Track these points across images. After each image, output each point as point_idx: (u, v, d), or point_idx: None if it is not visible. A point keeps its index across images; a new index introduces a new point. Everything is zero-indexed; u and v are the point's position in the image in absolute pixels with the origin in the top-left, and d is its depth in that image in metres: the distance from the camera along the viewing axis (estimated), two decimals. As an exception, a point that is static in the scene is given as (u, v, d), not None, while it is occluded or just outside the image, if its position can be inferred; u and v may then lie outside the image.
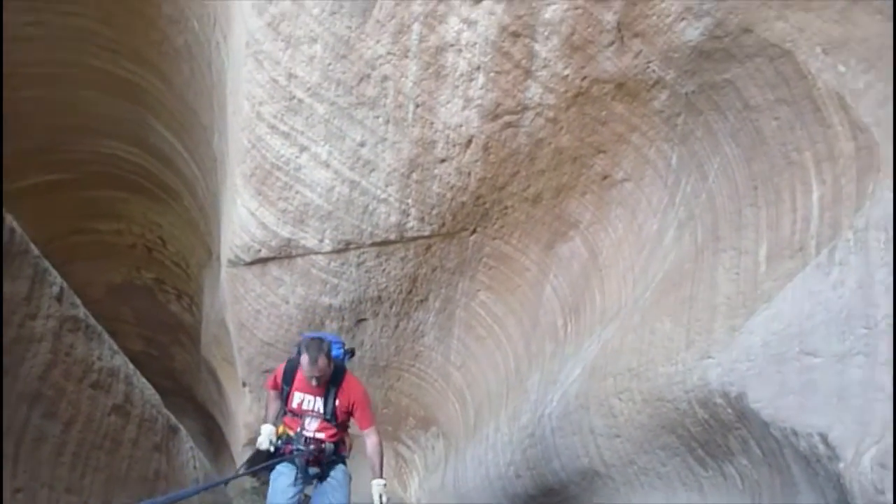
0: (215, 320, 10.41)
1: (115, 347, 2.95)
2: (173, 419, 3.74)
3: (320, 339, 4.30)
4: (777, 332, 2.99)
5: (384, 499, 4.12)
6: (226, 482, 3.72)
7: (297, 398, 4.34)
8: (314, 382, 4.19)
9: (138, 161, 10.31)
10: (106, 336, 2.87)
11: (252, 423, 10.55)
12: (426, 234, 6.58)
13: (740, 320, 3.50)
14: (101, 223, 11.45)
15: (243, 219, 7.05)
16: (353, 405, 4.35)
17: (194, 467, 3.97)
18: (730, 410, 3.40)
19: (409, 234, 6.57)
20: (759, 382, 2.98)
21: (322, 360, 4.13)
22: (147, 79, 8.81)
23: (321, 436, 4.27)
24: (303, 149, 5.98)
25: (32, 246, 2.34)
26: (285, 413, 4.50)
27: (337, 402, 4.28)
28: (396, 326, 8.36)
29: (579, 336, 6.16)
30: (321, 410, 4.29)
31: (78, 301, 2.66)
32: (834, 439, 2.48)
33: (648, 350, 4.32)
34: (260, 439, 4.26)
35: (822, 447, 2.52)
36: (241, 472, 4.23)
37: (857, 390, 2.56)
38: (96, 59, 8.74)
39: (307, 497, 4.56)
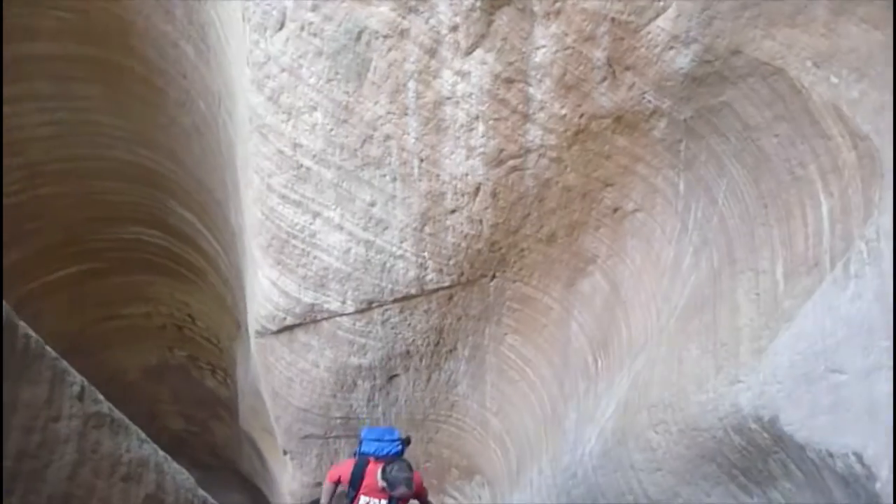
0: (250, 391, 10.44)
1: (143, 436, 2.96)
2: (211, 500, 3.73)
3: (403, 462, 4.72)
4: (802, 351, 2.93)
5: None
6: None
7: (363, 500, 4.71)
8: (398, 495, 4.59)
9: (161, 243, 10.49)
10: (133, 427, 2.89)
11: (297, 491, 10.48)
12: (446, 284, 6.59)
13: (765, 342, 3.44)
14: (130, 307, 11.59)
15: (265, 289, 7.12)
16: (413, 497, 4.75)
17: (235, 547, 3.93)
18: (765, 435, 3.32)
19: (430, 286, 6.59)
20: (790, 404, 2.91)
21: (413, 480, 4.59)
22: (160, 162, 9.02)
23: None
24: (315, 215, 6.06)
25: (49, 349, 2.38)
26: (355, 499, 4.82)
27: (399, 501, 4.62)
28: (429, 379, 8.32)
29: (610, 371, 6.09)
30: None
31: (100, 396, 2.69)
32: (869, 458, 2.41)
33: (679, 380, 4.26)
34: None
35: (858, 467, 2.45)
36: None
37: (886, 405, 2.50)
38: (111, 150, 8.98)
39: None
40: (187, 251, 10.39)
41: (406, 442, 5.14)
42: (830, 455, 2.55)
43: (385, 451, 4.78)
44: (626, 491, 5.28)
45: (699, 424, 3.97)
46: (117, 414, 2.78)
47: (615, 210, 5.56)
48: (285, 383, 8.37)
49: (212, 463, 13.84)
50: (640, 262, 5.55)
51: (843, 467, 2.48)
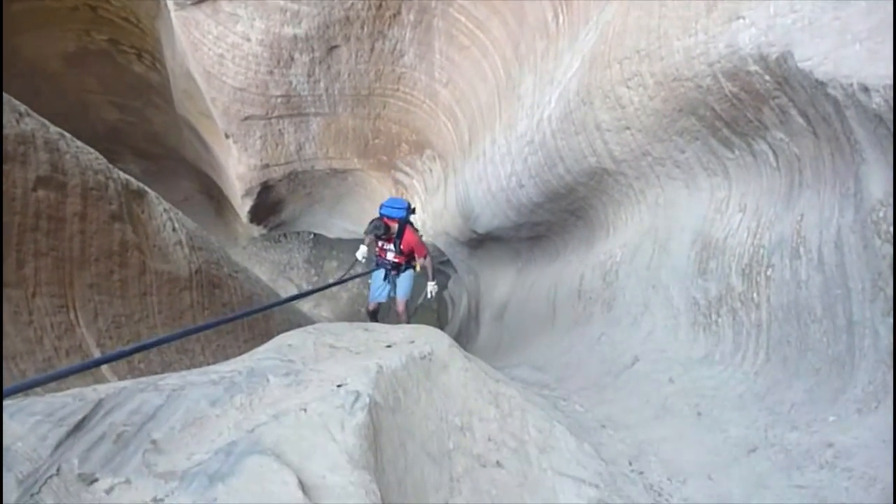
0: (181, 74, 9.68)
1: (23, 109, 2.40)
2: (135, 183, 3.29)
3: (406, 223, 6.58)
4: (829, -33, 2.38)
5: (433, 292, 6.81)
6: (333, 285, 5.20)
7: (381, 243, 6.74)
8: (393, 235, 6.60)
9: None
10: (5, 97, 2.32)
11: (245, 174, 10.24)
12: (386, -68, 5.67)
13: (778, -36, 2.86)
14: (31, -13, 10.21)
15: (175, -52, 6.11)
16: (411, 247, 6.69)
17: (173, 229, 3.60)
18: (767, 77, 2.90)
19: (367, -66, 5.67)
20: (810, 35, 2.43)
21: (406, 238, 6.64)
22: None
23: (396, 260, 6.72)
24: None
25: None
26: (377, 244, 6.83)
27: (401, 245, 6.62)
28: (372, 49, 7.67)
29: (573, 26, 5.52)
30: (393, 249, 6.67)
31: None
32: (917, 88, 2.00)
33: (659, 25, 3.74)
34: (358, 254, 6.66)
35: (904, 100, 2.04)
36: (350, 276, 6.20)
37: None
38: None
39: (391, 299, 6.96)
40: None
41: (411, 210, 6.75)
42: (865, 90, 2.12)
43: (394, 215, 6.53)
44: (588, 154, 5.03)
45: (682, 73, 3.54)
46: (-20, 81, 2.18)
47: None
48: (216, 61, 7.64)
49: (156, 152, 13.41)
50: None
51: (880, 102, 2.08)
